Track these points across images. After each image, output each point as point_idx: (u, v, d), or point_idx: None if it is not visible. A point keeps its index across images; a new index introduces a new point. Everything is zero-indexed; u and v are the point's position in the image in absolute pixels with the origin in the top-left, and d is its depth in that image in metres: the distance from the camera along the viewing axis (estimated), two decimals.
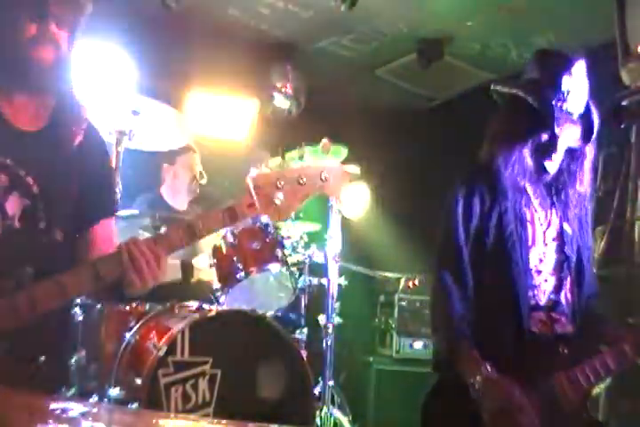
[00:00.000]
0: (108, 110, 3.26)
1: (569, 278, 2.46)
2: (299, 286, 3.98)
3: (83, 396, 3.02)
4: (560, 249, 2.47)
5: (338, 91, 5.63)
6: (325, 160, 3.92)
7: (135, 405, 2.95)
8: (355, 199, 5.27)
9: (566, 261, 2.46)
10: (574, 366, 2.27)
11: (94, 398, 3.03)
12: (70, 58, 1.96)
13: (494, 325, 2.37)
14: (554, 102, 2.36)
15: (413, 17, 4.61)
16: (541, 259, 2.45)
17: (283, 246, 3.84)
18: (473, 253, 2.43)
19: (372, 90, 5.81)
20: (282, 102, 5.22)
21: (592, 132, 2.42)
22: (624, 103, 3.02)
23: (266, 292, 3.94)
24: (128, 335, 3.30)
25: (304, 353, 3.47)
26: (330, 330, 3.95)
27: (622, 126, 3.03)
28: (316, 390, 3.76)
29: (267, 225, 3.82)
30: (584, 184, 2.51)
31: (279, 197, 1.88)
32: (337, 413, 3.97)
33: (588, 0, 4.06)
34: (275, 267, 3.77)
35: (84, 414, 1.25)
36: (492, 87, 2.58)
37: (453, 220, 2.43)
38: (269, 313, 3.82)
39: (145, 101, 3.31)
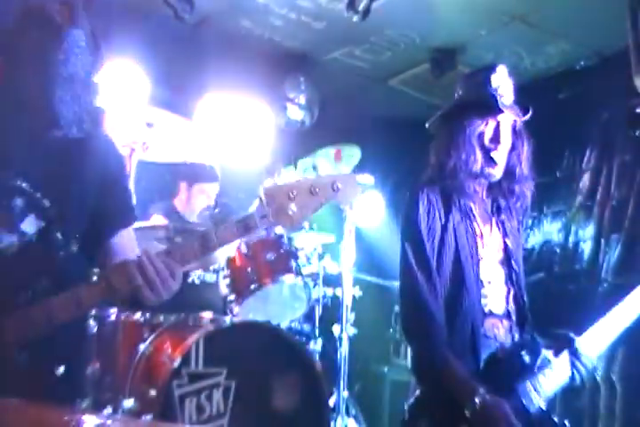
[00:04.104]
0: (123, 122, 3.28)
1: (514, 289, 2.56)
2: (313, 296, 3.97)
3: (97, 407, 3.02)
4: (505, 261, 2.59)
5: (351, 101, 5.63)
6: (337, 170, 3.92)
7: (149, 416, 2.96)
8: (369, 209, 5.27)
9: (513, 272, 2.58)
10: (530, 371, 2.37)
11: (108, 410, 3.04)
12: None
13: (453, 331, 2.43)
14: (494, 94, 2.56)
15: (426, 27, 4.60)
16: (490, 270, 2.55)
17: (297, 257, 3.84)
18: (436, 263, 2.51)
19: (385, 100, 5.80)
20: (295, 113, 5.23)
21: (527, 110, 2.59)
22: (638, 111, 3.01)
23: (280, 303, 3.93)
24: (142, 347, 3.31)
25: (318, 364, 3.46)
26: (344, 341, 3.93)
27: (636, 134, 3.02)
28: (331, 401, 3.74)
29: (281, 236, 3.82)
30: (520, 200, 2.66)
31: (292, 208, 1.88)
32: (352, 424, 3.95)
33: (602, 9, 4.04)
34: (289, 278, 3.77)
35: None
36: (428, 125, 2.78)
37: (418, 232, 2.50)
38: (283, 324, 3.82)
39: (159, 113, 3.33)
